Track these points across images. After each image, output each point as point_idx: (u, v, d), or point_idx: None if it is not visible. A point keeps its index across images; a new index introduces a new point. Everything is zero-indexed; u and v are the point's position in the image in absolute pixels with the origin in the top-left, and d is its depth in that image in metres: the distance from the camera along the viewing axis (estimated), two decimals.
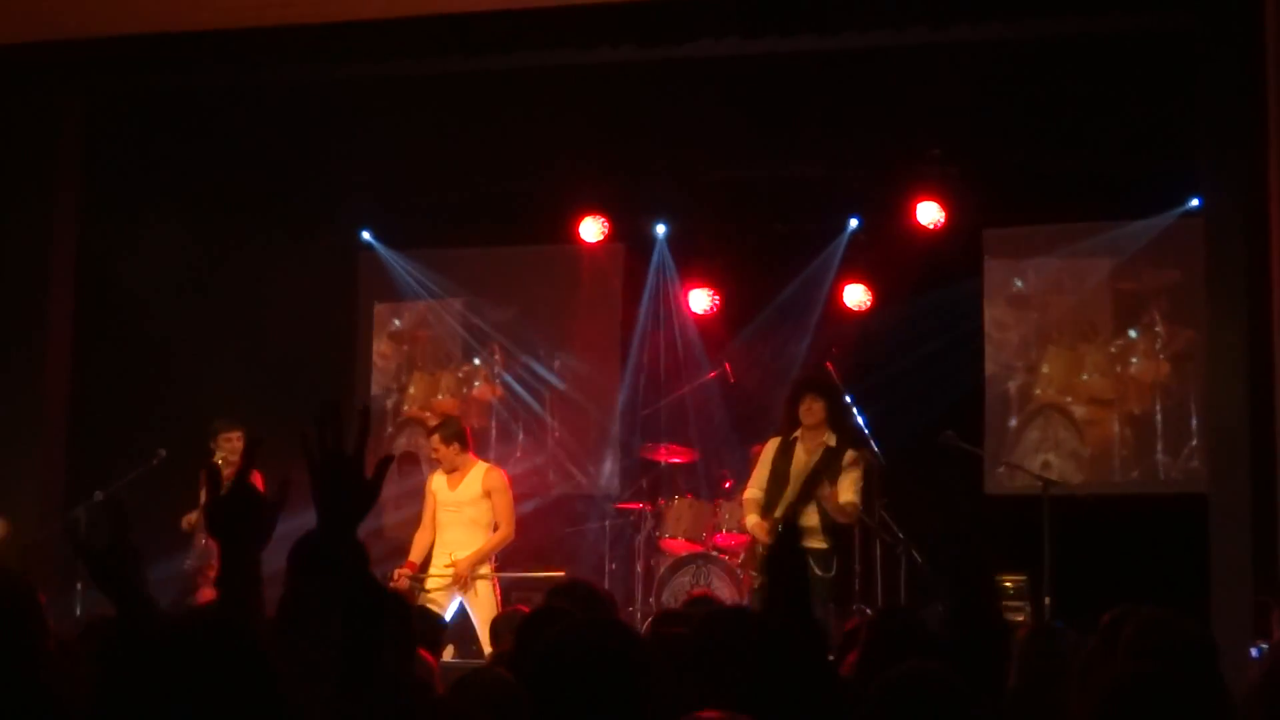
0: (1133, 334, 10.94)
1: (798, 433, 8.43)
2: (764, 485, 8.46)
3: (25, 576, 3.30)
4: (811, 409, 8.37)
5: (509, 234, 11.84)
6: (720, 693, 3.15)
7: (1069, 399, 11.04)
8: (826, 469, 8.28)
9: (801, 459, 8.37)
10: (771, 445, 8.59)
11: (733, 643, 3.32)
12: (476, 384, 12.13)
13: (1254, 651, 7.04)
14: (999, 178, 10.89)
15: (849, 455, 8.37)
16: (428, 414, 11.72)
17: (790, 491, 8.31)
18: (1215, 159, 8.88)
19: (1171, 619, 3.87)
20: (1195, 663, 3.62)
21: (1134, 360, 10.95)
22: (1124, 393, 10.95)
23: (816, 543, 8.14)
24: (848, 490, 8.27)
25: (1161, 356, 10.87)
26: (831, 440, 8.37)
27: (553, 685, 2.64)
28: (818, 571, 8.00)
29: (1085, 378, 11.03)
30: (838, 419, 8.50)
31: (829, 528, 8.24)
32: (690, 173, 11.34)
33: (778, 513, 8.28)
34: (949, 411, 10.22)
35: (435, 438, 9.05)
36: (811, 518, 8.20)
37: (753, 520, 8.44)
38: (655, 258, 11.69)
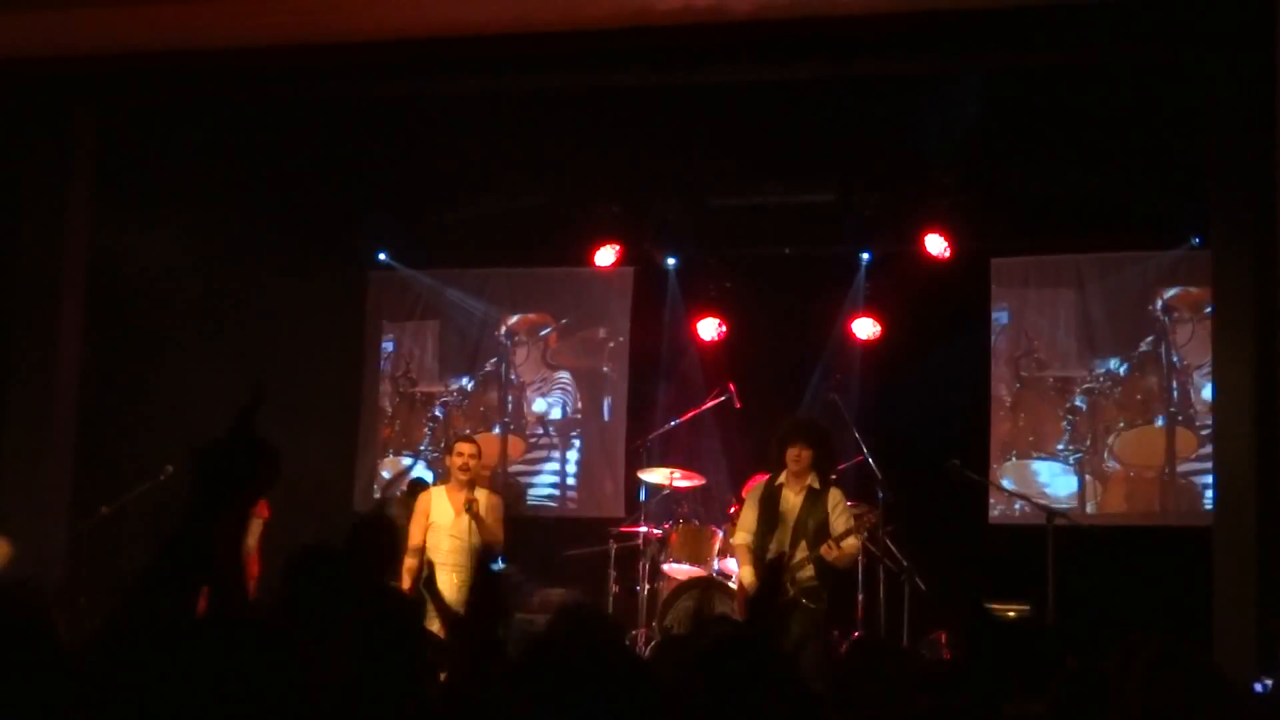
0: (1140, 364, 10.92)
1: (783, 476, 8.50)
2: (754, 529, 8.54)
3: (39, 590, 3.31)
4: (800, 456, 8.43)
5: (519, 256, 11.86)
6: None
7: (1075, 429, 11.02)
8: (813, 511, 8.37)
9: (790, 500, 8.46)
10: (757, 487, 8.69)
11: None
12: (482, 411, 12.15)
13: (1258, 687, 6.98)
14: (1009, 207, 10.90)
15: (833, 495, 8.45)
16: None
17: (782, 534, 8.40)
18: (1225, 190, 8.86)
19: (1185, 654, 3.81)
20: (1210, 701, 3.57)
21: (1141, 390, 10.93)
22: (1130, 422, 10.92)
23: (805, 577, 8.28)
24: (841, 524, 8.32)
25: (1168, 386, 10.85)
26: (815, 483, 8.47)
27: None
28: (807, 604, 8.23)
29: (1090, 406, 11.01)
30: (822, 463, 8.52)
31: (819, 563, 8.29)
32: (700, 197, 11.36)
33: (770, 557, 8.36)
34: (954, 439, 10.20)
35: (475, 445, 8.90)
36: (803, 554, 8.31)
37: (749, 575, 8.48)
38: (669, 283, 11.71)
